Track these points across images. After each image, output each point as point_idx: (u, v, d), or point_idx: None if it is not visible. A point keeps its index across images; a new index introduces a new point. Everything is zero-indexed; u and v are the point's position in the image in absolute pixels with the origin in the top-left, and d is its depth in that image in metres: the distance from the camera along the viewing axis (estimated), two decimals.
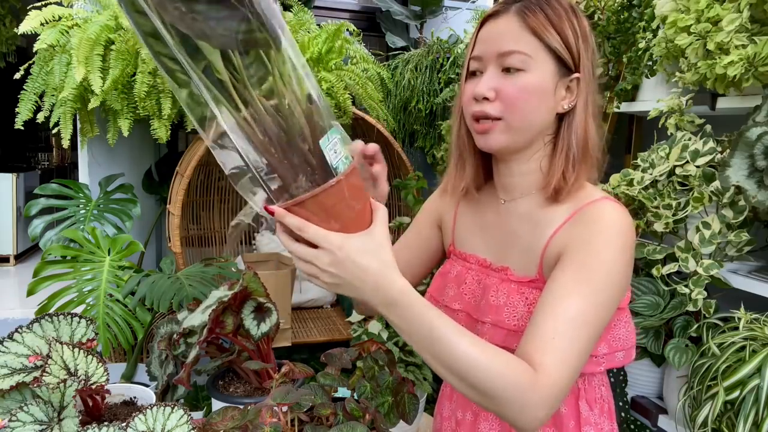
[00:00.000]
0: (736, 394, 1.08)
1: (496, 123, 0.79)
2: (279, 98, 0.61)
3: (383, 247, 0.65)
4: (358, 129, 2.40)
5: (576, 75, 0.80)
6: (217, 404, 1.33)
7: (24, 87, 1.82)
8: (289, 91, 0.61)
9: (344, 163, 0.63)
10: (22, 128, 1.78)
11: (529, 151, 0.83)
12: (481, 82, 0.79)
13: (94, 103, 1.77)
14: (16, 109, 1.80)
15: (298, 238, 0.64)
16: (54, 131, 1.83)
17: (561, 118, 0.82)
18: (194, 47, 0.56)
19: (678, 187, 1.37)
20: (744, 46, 1.20)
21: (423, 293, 1.10)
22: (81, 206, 2.14)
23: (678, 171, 1.36)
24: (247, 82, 0.59)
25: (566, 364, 0.68)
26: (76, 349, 0.97)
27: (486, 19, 0.82)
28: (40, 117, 1.82)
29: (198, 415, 1.20)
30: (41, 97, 1.84)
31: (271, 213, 0.63)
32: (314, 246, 0.64)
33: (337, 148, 0.63)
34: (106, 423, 0.88)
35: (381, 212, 0.68)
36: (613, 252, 0.74)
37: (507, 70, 0.78)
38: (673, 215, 1.35)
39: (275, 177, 0.63)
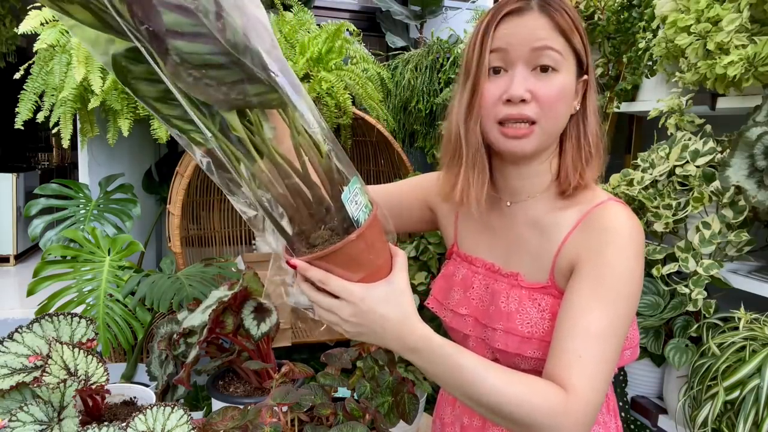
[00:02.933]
0: (736, 394, 1.08)
1: (533, 127, 0.76)
2: (297, 152, 0.61)
3: (404, 294, 0.66)
4: (358, 129, 2.39)
5: (586, 77, 0.80)
6: (217, 404, 1.33)
7: (24, 87, 1.82)
8: (307, 145, 0.61)
9: (365, 213, 0.63)
10: (22, 128, 1.78)
11: (544, 153, 0.82)
12: (515, 83, 0.74)
13: (94, 103, 1.77)
14: (16, 109, 1.80)
15: (320, 288, 0.65)
16: (54, 131, 1.83)
17: (569, 118, 0.82)
18: (209, 109, 0.57)
19: (678, 187, 1.37)
20: (744, 46, 1.20)
21: (426, 292, 1.09)
22: (81, 206, 2.14)
23: (678, 171, 1.36)
24: (265, 136, 0.60)
25: (595, 382, 0.69)
26: (76, 349, 0.97)
27: (505, 14, 0.76)
28: (40, 117, 1.82)
29: (198, 415, 1.21)
30: (41, 97, 1.84)
31: (294, 266, 0.63)
32: (336, 296, 0.64)
33: (358, 199, 0.63)
34: (106, 423, 0.88)
35: (401, 258, 0.68)
36: (627, 261, 0.74)
37: (539, 69, 0.74)
38: (673, 215, 1.35)
39: (295, 225, 0.63)
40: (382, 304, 0.64)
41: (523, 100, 0.74)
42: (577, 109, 0.81)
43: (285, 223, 0.63)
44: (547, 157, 0.82)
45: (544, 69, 0.74)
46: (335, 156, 0.63)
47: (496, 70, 0.77)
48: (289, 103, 0.58)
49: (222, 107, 0.56)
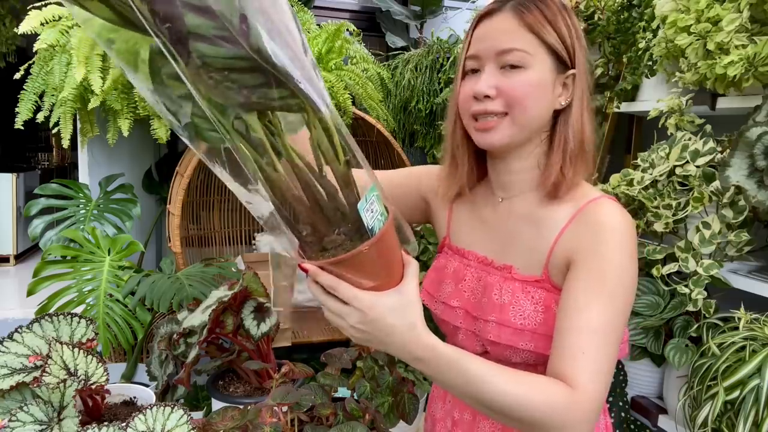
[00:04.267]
0: (736, 394, 1.09)
1: (501, 119, 0.79)
2: (316, 155, 0.61)
3: (412, 305, 0.67)
4: (358, 129, 2.40)
5: (572, 71, 0.80)
6: (217, 404, 1.33)
7: (24, 87, 1.81)
8: (327, 150, 0.61)
9: (380, 221, 0.63)
10: (22, 128, 1.78)
11: (527, 148, 0.83)
12: (480, 81, 0.79)
13: (94, 103, 1.77)
14: (16, 109, 1.80)
15: (330, 292, 0.66)
16: (54, 131, 1.83)
17: (556, 114, 0.82)
18: (230, 110, 0.57)
19: (678, 187, 1.37)
20: (744, 46, 1.20)
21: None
22: (81, 206, 2.14)
23: (678, 171, 1.36)
24: (285, 139, 0.60)
25: (599, 376, 0.70)
26: (76, 349, 0.97)
27: (481, 18, 0.82)
28: (40, 117, 1.82)
29: (198, 415, 1.20)
30: (41, 97, 1.83)
31: (305, 270, 0.64)
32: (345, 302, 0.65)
33: (374, 207, 0.63)
34: (106, 423, 0.88)
35: (412, 267, 0.69)
36: (623, 257, 0.75)
37: (506, 67, 0.78)
38: (673, 215, 1.35)
39: (309, 228, 0.63)
40: (390, 314, 0.65)
41: (487, 96, 0.79)
42: (563, 104, 0.81)
43: (299, 224, 0.63)
44: (532, 152, 0.84)
45: (511, 67, 0.78)
46: (355, 163, 0.63)
47: (472, 71, 0.82)
48: (311, 108, 0.58)
49: (242, 110, 0.56)
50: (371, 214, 0.62)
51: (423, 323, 0.67)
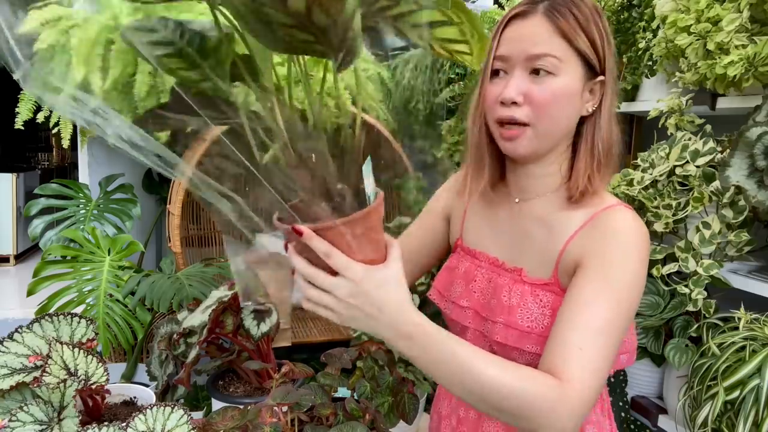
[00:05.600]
0: (736, 394, 1.09)
1: (525, 129, 0.77)
2: (327, 115, 0.60)
3: (400, 283, 0.66)
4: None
5: (601, 78, 0.79)
6: (217, 404, 1.33)
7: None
8: (340, 111, 0.60)
9: (374, 193, 0.62)
10: (22, 128, 1.78)
11: (550, 156, 0.82)
12: (509, 86, 0.77)
13: (94, 103, 1.77)
14: (16, 109, 1.80)
15: (315, 263, 0.63)
16: (54, 131, 1.83)
17: (582, 120, 0.81)
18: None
19: (678, 187, 1.37)
20: (744, 46, 1.20)
21: (426, 290, 1.09)
22: (81, 206, 2.15)
23: (678, 171, 1.36)
24: (311, 89, 0.57)
25: (593, 375, 0.68)
26: (76, 349, 0.97)
27: (511, 18, 0.79)
28: (40, 117, 1.82)
29: (198, 415, 1.20)
30: None
31: (299, 233, 0.60)
32: (333, 274, 0.63)
33: (370, 179, 0.62)
34: (106, 423, 0.88)
35: (396, 248, 0.68)
36: (632, 263, 0.74)
37: (536, 72, 0.76)
38: (673, 215, 1.35)
39: (299, 195, 0.61)
40: (381, 288, 0.64)
41: (514, 103, 0.77)
42: (590, 111, 0.80)
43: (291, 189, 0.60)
44: (557, 158, 0.83)
45: (539, 73, 0.76)
46: (365, 131, 0.61)
47: (497, 73, 0.80)
48: (340, 59, 0.55)
49: (267, 44, 0.53)
50: (369, 181, 0.61)
51: (411, 301, 0.66)
